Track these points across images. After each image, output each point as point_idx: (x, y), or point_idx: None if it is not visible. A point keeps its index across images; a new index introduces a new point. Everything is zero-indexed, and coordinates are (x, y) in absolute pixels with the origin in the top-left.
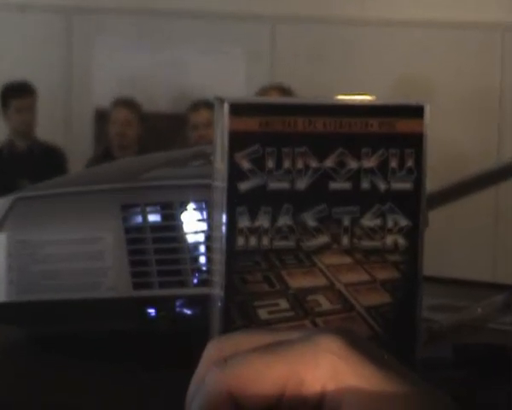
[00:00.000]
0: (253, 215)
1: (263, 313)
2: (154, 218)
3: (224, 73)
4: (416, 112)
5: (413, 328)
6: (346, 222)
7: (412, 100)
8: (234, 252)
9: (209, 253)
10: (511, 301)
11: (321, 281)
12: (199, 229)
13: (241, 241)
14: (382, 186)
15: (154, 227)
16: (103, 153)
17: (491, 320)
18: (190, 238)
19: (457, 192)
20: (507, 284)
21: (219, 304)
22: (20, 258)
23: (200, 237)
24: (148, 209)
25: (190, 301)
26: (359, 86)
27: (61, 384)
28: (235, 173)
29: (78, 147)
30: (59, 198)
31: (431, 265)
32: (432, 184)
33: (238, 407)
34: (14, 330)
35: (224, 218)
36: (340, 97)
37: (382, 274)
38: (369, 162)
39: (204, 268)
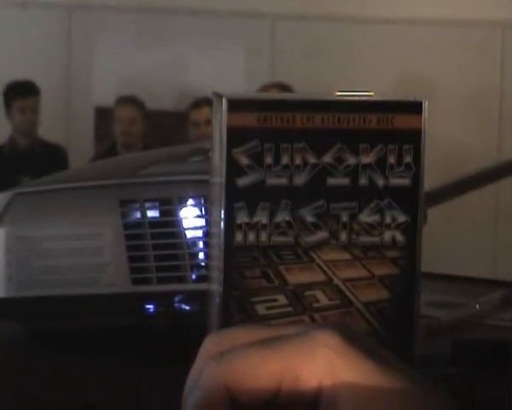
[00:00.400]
0: (252, 211)
1: (261, 309)
2: (152, 213)
3: (223, 70)
4: (415, 108)
5: (411, 324)
6: (345, 218)
7: (410, 96)
8: (232, 248)
9: (208, 248)
10: (510, 297)
11: (319, 277)
12: (197, 225)
13: (239, 236)
14: (380, 182)
15: (153, 223)
16: (108, 150)
17: (489, 317)
18: (189, 234)
19: (457, 190)
20: (505, 280)
21: (218, 300)
22: (19, 253)
23: (199, 233)
24: (147, 205)
25: (189, 296)
26: (359, 84)
27: (60, 380)
28: (233, 169)
29: (78, 145)
30: (58, 194)
31: (430, 262)
32: (432, 181)
33: (234, 402)
34: (13, 326)
35: (223, 213)
36: (339, 93)
37: (380, 270)
38: (368, 158)
39: (202, 264)
